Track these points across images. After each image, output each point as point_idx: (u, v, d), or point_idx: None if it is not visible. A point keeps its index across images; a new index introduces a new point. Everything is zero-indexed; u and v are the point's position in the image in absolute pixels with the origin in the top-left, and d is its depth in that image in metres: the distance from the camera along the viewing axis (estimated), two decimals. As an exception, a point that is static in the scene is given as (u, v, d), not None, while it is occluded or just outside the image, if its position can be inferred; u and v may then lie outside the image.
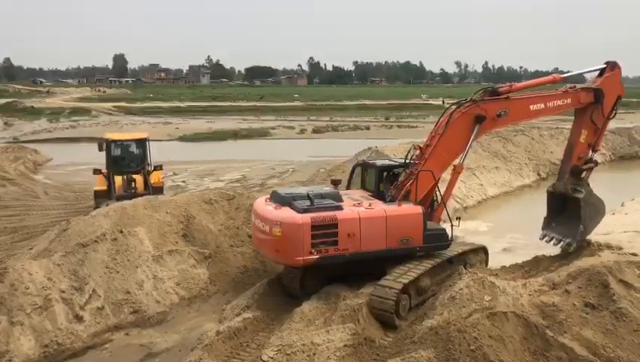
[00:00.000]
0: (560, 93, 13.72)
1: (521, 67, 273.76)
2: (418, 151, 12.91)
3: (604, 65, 14.00)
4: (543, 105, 13.48)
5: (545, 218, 14.44)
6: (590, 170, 14.22)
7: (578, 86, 13.88)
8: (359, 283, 11.67)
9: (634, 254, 12.12)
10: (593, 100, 13.64)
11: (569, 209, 13.94)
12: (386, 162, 13.99)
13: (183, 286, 13.02)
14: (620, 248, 13.10)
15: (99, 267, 12.36)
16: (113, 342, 11.35)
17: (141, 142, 21.00)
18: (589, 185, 14.11)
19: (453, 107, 12.98)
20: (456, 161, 12.95)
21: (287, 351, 9.24)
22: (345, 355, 9.14)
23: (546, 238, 14.14)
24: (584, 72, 14.80)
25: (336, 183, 13.50)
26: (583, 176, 14.06)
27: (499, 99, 13.05)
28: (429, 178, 12.33)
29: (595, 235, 14.66)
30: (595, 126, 13.84)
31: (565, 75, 14.57)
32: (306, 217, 11.08)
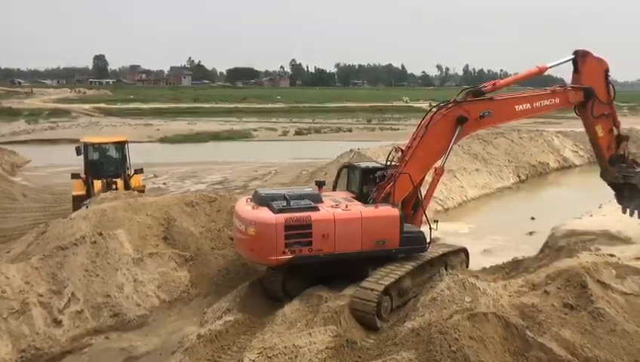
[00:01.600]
0: (548, 93, 13.55)
1: (501, 70, 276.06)
2: (399, 154, 12.95)
3: (573, 57, 13.75)
4: (529, 106, 13.28)
5: (615, 196, 14.59)
6: (626, 145, 14.09)
7: (568, 86, 13.72)
8: (341, 286, 11.69)
9: (611, 255, 12.32)
10: (583, 99, 13.50)
11: (629, 191, 14.03)
12: (370, 164, 14.04)
13: (164, 289, 12.91)
14: (598, 249, 13.28)
15: (78, 270, 12.21)
16: (92, 346, 11.21)
17: (120, 146, 20.78)
18: (635, 161, 14.08)
19: (435, 109, 12.94)
20: (438, 163, 12.90)
21: (269, 353, 9.20)
22: (327, 357, 9.13)
23: (628, 211, 14.26)
24: (557, 64, 14.12)
25: (320, 185, 13.52)
26: (623, 152, 13.96)
27: (482, 99, 12.92)
28: (409, 180, 12.36)
29: (573, 236, 14.87)
30: (602, 115, 13.66)
31: (551, 65, 14.14)
32: (280, 217, 11.18)
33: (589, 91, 13.44)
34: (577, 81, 13.67)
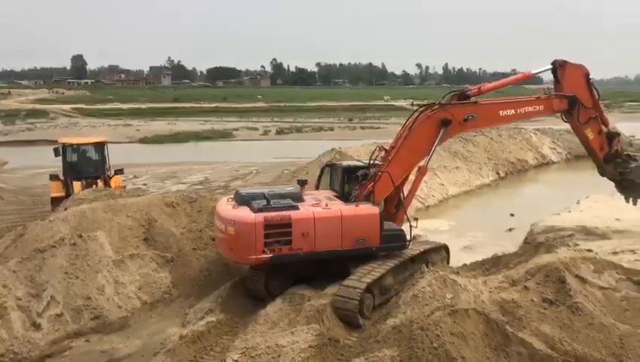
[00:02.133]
0: (532, 100, 13.65)
1: (480, 68, 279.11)
2: (383, 153, 13.02)
3: (552, 66, 13.76)
4: (513, 111, 13.30)
5: (615, 187, 14.59)
6: (618, 141, 14.17)
7: (552, 94, 13.70)
8: (324, 284, 11.72)
9: (589, 250, 12.52)
10: (567, 107, 13.52)
11: (628, 183, 14.08)
12: (352, 163, 14.10)
13: (145, 291, 12.81)
14: (576, 244, 13.48)
15: (57, 273, 12.06)
16: (73, 349, 11.08)
17: (99, 146, 20.54)
18: (629, 156, 14.16)
19: (420, 109, 12.98)
20: (422, 163, 12.96)
21: (251, 353, 9.19)
22: (309, 356, 9.14)
23: (631, 201, 14.27)
24: (540, 72, 14.37)
25: (302, 183, 13.53)
26: (617, 149, 14.04)
27: (466, 103, 13.03)
28: (390, 180, 12.40)
29: (552, 232, 15.08)
30: (590, 119, 13.71)
31: (537, 72, 14.32)
32: (259, 216, 11.22)
33: (573, 99, 13.46)
34: (560, 91, 13.68)
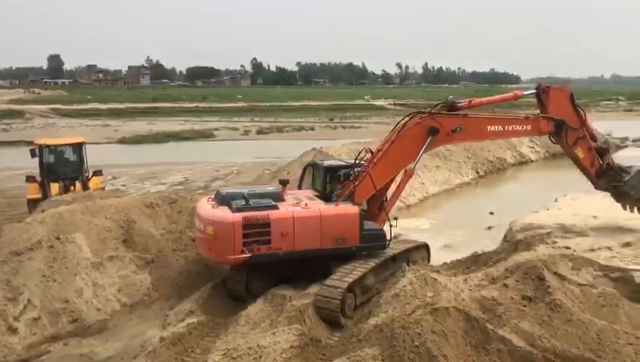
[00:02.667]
0: (521, 119, 13.78)
1: (459, 68, 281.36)
2: (369, 155, 13.07)
3: (535, 91, 14.03)
4: (500, 128, 13.41)
5: (612, 196, 14.77)
6: (609, 155, 14.37)
7: (540, 116, 13.81)
8: (305, 284, 11.71)
9: (567, 248, 12.70)
10: (554, 130, 13.68)
11: (622, 194, 14.32)
12: (333, 162, 14.12)
13: (125, 293, 12.68)
14: (554, 242, 13.65)
15: (34, 276, 11.88)
16: (51, 354, 10.93)
17: (77, 147, 20.25)
18: (621, 169, 14.26)
19: (410, 115, 13.07)
20: (408, 166, 12.96)
21: (232, 354, 9.15)
22: (291, 356, 9.12)
23: (628, 207, 14.48)
24: (528, 94, 14.47)
25: (284, 183, 13.51)
26: (608, 163, 14.22)
27: (455, 114, 13.14)
28: (371, 183, 12.42)
29: (530, 230, 15.24)
30: (577, 139, 13.84)
31: (527, 93, 14.53)
32: (238, 216, 11.24)
33: (559, 123, 13.63)
34: (546, 114, 13.83)
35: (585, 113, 14.29)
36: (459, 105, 13.41)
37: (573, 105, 14.00)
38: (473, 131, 13.33)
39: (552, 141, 14.26)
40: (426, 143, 12.71)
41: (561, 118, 13.67)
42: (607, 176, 14.31)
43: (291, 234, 11.55)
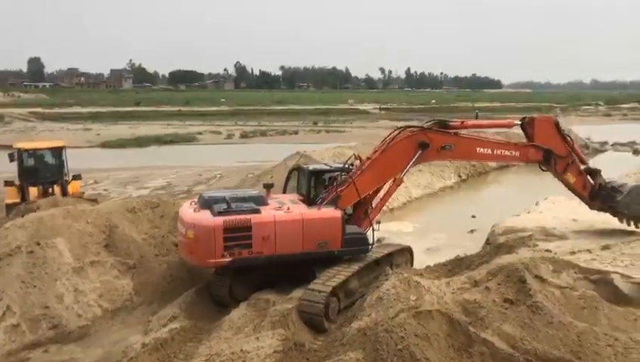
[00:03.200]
0: (510, 145, 13.96)
1: (441, 73, 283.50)
2: (358, 161, 13.12)
3: (520, 122, 14.20)
4: (490, 151, 13.58)
5: (609, 212, 14.78)
6: (600, 177, 14.43)
7: (529, 143, 13.93)
8: (288, 289, 11.69)
9: (547, 251, 12.82)
10: (542, 159, 13.83)
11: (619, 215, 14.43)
12: (318, 166, 14.14)
13: (106, 298, 12.55)
14: (536, 245, 13.78)
15: (14, 282, 11.73)
16: (31, 361, 10.77)
17: (57, 151, 20.00)
18: (614, 189, 14.31)
19: (401, 127, 13.21)
20: (398, 175, 12.99)
21: (216, 360, 9.11)
22: (275, 361, 9.10)
23: (625, 221, 14.53)
24: (518, 124, 14.46)
25: (268, 187, 13.50)
26: (599, 183, 14.33)
27: (447, 132, 13.27)
28: (359, 189, 12.47)
29: (512, 233, 15.37)
30: (566, 165, 13.97)
31: (516, 123, 14.63)
32: (219, 220, 11.24)
33: (547, 153, 13.79)
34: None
35: (572, 139, 14.45)
36: (451, 123, 13.58)
37: (559, 133, 14.13)
38: (462, 151, 13.45)
39: (541, 169, 14.27)
40: (415, 157, 12.84)
41: (549, 146, 13.82)
42: (600, 197, 14.43)
43: (273, 238, 11.55)
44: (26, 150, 19.68)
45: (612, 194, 14.32)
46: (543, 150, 13.83)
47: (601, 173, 14.72)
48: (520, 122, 14.35)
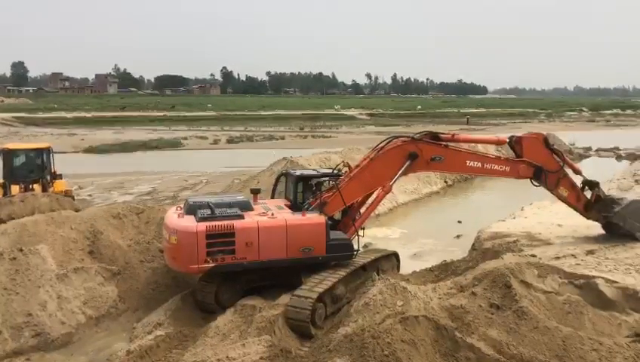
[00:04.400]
0: (501, 160, 13.97)
1: (427, 79, 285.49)
2: (346, 169, 13.11)
3: (509, 141, 14.14)
4: (479, 164, 13.52)
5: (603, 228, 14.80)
6: (599, 189, 14.45)
7: (520, 159, 13.88)
8: (275, 295, 11.64)
9: (533, 256, 12.91)
10: (533, 176, 13.80)
11: (614, 227, 14.38)
12: (305, 172, 14.14)
13: (90, 305, 12.39)
14: (521, 250, 13.87)
15: (-5, 289, 11.51)
16: (13, 369, 10.59)
17: (40, 152, 20.65)
18: (613, 201, 14.37)
19: (391, 137, 13.21)
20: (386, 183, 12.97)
21: (201, 367, 9.02)
22: (261, 368, 9.04)
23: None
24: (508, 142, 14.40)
25: (255, 192, 13.46)
26: (598, 195, 14.36)
27: (437, 144, 13.28)
28: (346, 196, 12.46)
29: (498, 239, 15.46)
30: (558, 180, 13.97)
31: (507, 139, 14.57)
32: (202, 226, 11.22)
33: (538, 170, 13.79)
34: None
35: (562, 153, 14.46)
36: (443, 136, 13.61)
37: (548, 148, 14.13)
38: (452, 163, 13.43)
39: (533, 184, 14.22)
40: (404, 167, 12.82)
41: (539, 163, 13.81)
42: (597, 206, 14.46)
43: (256, 243, 11.53)
44: (11, 150, 20.41)
45: (610, 206, 14.33)
46: (534, 167, 13.81)
47: (600, 186, 14.71)
48: (508, 140, 14.29)
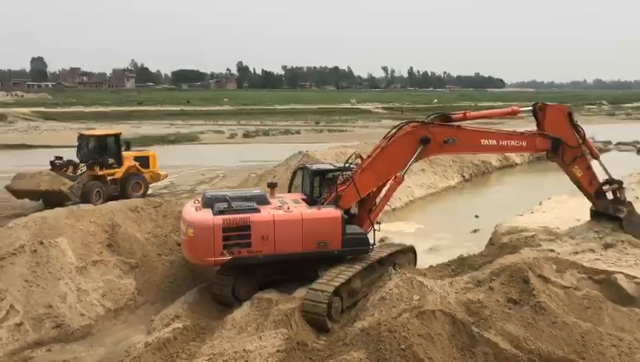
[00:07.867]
0: (517, 135, 13.50)
1: (444, 72, 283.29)
2: (359, 160, 13.04)
3: (532, 109, 13.74)
4: (495, 142, 13.16)
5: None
6: (620, 189, 13.97)
7: (536, 132, 13.53)
8: (291, 288, 11.68)
9: (551, 250, 12.80)
10: (550, 148, 13.41)
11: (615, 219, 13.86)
12: (321, 166, 14.14)
13: (109, 298, 12.55)
14: (539, 245, 13.75)
15: (17, 281, 11.72)
16: (34, 360, 10.75)
17: (103, 138, 24.43)
18: (630, 204, 13.99)
19: (402, 123, 12.97)
20: (398, 173, 12.79)
21: (218, 359, 9.09)
22: (278, 361, 9.09)
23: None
24: (525, 110, 14.06)
25: (272, 186, 13.49)
26: (619, 196, 13.96)
27: (448, 125, 12.95)
28: (360, 187, 12.39)
29: (515, 233, 15.34)
30: (574, 157, 13.58)
31: (524, 109, 14.21)
32: (218, 219, 11.33)
33: (556, 141, 13.41)
34: (542, 131, 13.61)
35: (584, 132, 13.99)
36: (453, 116, 13.23)
37: (571, 122, 13.76)
38: (466, 144, 13.09)
39: (548, 158, 13.91)
40: (417, 153, 12.59)
41: (558, 135, 13.48)
42: (606, 200, 14.01)
43: (272, 237, 11.59)
44: (84, 136, 24.77)
45: (624, 204, 13.93)
46: (552, 139, 13.43)
47: (623, 188, 14.20)
48: (531, 107, 13.85)
